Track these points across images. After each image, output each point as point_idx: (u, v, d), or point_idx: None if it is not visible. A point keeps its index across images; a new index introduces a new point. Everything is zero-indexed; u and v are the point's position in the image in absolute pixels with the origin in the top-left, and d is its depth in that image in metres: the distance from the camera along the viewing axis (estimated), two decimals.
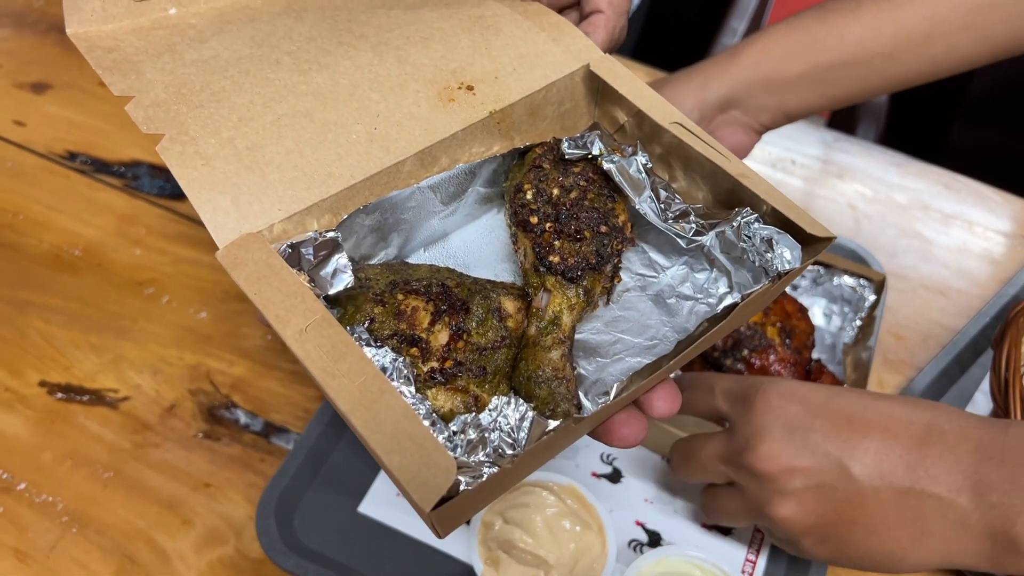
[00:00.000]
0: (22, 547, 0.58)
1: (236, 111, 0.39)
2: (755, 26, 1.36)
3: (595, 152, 0.42)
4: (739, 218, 0.39)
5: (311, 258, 0.36)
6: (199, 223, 0.76)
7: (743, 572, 0.58)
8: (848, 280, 0.70)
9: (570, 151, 0.43)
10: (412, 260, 0.45)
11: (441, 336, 0.38)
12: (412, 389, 0.34)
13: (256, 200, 0.36)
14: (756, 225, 0.39)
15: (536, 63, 0.44)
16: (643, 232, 0.45)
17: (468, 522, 0.58)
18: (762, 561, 0.59)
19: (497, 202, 0.47)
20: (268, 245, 0.35)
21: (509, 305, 0.40)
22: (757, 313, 0.43)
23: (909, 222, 0.82)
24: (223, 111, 0.39)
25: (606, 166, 0.42)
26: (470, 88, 0.43)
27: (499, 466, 0.32)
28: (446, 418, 0.36)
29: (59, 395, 0.66)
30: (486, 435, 0.34)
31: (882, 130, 1.27)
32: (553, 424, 0.34)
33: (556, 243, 0.41)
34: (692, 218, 0.41)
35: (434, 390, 0.37)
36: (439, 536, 0.34)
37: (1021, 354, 0.59)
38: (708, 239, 0.40)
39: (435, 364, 0.37)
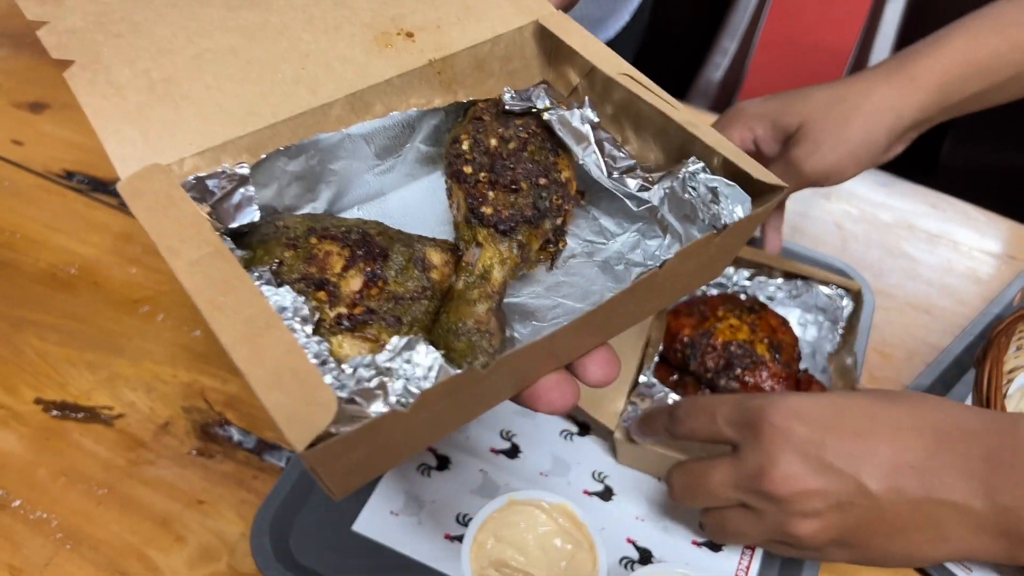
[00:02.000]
0: (16, 563, 0.58)
1: (156, 43, 0.37)
2: (746, 45, 1.38)
3: (539, 106, 0.40)
4: (684, 170, 0.37)
5: (216, 191, 0.34)
6: None
7: None
8: (824, 289, 0.71)
9: (512, 103, 0.41)
10: (344, 215, 0.42)
11: (353, 282, 0.35)
12: (310, 330, 0.31)
13: (168, 134, 0.34)
14: (702, 176, 0.36)
15: (483, 16, 0.42)
16: (595, 199, 0.43)
17: (460, 540, 0.58)
18: None
19: (440, 163, 0.44)
20: (171, 177, 0.33)
21: (435, 257, 0.37)
22: (709, 274, 0.42)
23: (895, 241, 0.83)
24: (142, 42, 0.37)
25: (546, 117, 0.40)
26: (410, 35, 0.41)
27: (404, 405, 0.29)
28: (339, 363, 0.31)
29: (54, 412, 0.66)
30: (386, 381, 0.29)
31: None
32: (459, 371, 0.30)
33: (490, 194, 0.38)
34: (638, 172, 0.39)
35: (339, 337, 0.34)
36: (333, 495, 0.31)
37: (1002, 373, 0.60)
38: (656, 194, 0.38)
39: (343, 310, 0.34)
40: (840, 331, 0.70)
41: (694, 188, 0.36)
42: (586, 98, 0.40)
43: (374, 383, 0.29)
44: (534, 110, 0.41)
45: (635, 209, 0.40)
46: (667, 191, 0.38)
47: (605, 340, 0.37)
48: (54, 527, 0.60)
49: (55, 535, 0.60)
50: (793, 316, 0.72)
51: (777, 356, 0.61)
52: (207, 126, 0.35)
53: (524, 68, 0.43)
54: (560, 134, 0.40)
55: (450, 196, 0.40)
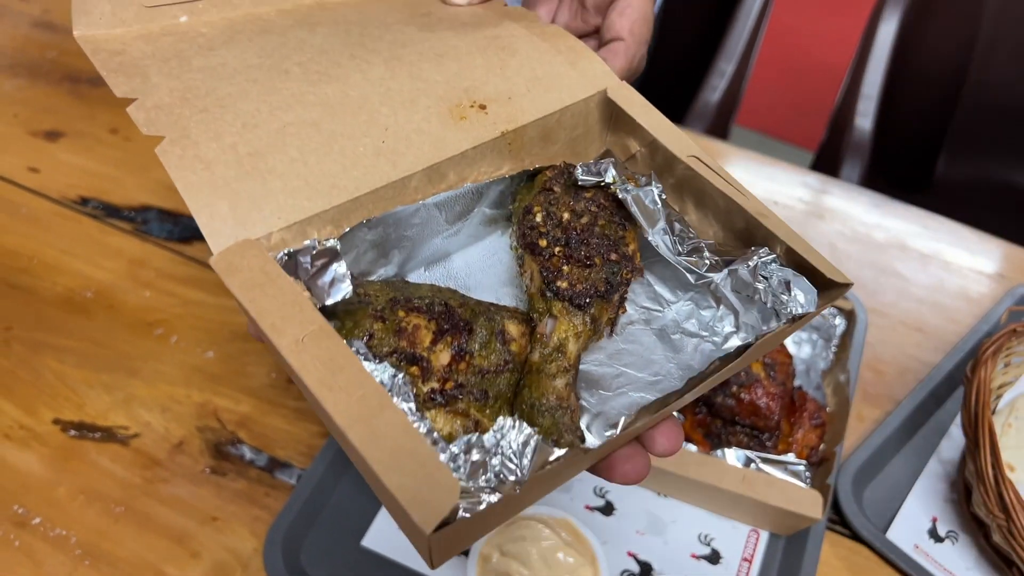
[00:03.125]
0: None
1: (240, 117, 0.38)
2: (743, 67, 1.41)
3: (608, 180, 0.42)
4: (756, 258, 0.38)
5: (308, 267, 0.35)
6: (207, 266, 0.79)
7: None
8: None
9: (583, 177, 0.42)
10: (412, 279, 0.44)
11: (443, 356, 0.36)
12: (412, 406, 0.32)
13: (255, 207, 0.35)
14: (774, 267, 0.38)
15: (551, 86, 0.44)
16: (649, 264, 0.44)
17: (466, 554, 0.60)
18: None
19: (502, 224, 0.46)
20: (265, 252, 0.34)
21: (513, 329, 0.39)
22: (761, 356, 0.44)
23: (888, 261, 0.85)
24: (227, 116, 0.38)
25: (621, 195, 0.41)
26: (482, 107, 0.42)
27: (501, 493, 0.30)
28: (446, 440, 0.33)
29: (72, 432, 0.68)
30: (488, 458, 0.31)
31: (867, 167, 1.31)
32: (558, 453, 0.33)
33: (565, 268, 0.40)
34: (706, 254, 0.40)
35: (433, 412, 0.35)
36: (432, 566, 0.32)
37: (989, 390, 0.62)
38: (720, 277, 0.40)
39: (435, 384, 0.35)
40: (834, 349, 0.72)
41: (766, 278, 0.38)
42: (652, 173, 0.42)
43: (477, 458, 0.31)
44: (603, 183, 0.42)
45: (692, 281, 0.41)
46: (732, 273, 0.39)
47: (670, 414, 0.38)
48: (73, 544, 0.62)
49: (74, 552, 0.62)
50: (789, 336, 0.74)
51: (772, 374, 0.63)
52: (293, 200, 0.36)
53: (586, 135, 0.45)
54: (632, 211, 0.41)
55: (522, 266, 0.42)
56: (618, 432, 0.34)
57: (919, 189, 1.51)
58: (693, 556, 0.63)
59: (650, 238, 0.41)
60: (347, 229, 0.37)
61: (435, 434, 0.32)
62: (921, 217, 0.90)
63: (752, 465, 0.62)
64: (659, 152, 0.42)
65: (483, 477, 0.31)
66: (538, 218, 0.41)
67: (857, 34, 1.45)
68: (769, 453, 0.62)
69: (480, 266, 0.45)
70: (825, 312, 0.73)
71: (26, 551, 0.62)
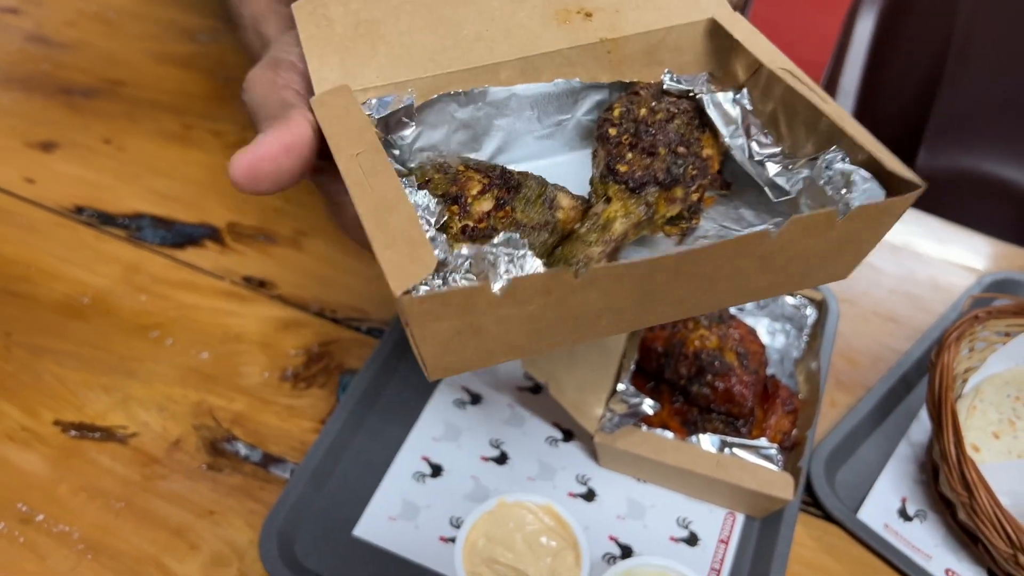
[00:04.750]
0: (42, 574, 0.63)
1: None
2: None
3: (697, 90, 0.42)
4: (823, 157, 0.37)
5: (384, 111, 0.40)
6: (200, 270, 0.82)
7: None
8: (789, 300, 0.76)
9: (671, 84, 0.42)
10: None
11: (485, 203, 0.39)
12: (435, 222, 0.35)
13: (361, 65, 0.41)
14: (838, 164, 0.36)
15: (662, 5, 0.44)
16: (740, 189, 0.44)
17: (454, 541, 0.63)
18: (726, 570, 0.64)
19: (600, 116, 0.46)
20: (352, 95, 0.39)
21: (564, 200, 0.40)
22: (833, 270, 0.40)
23: None
24: None
25: (699, 96, 0.42)
26: (588, 15, 0.43)
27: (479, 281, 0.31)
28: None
29: (72, 433, 0.71)
30: (489, 272, 0.32)
31: None
32: (555, 269, 0.32)
33: (628, 155, 0.40)
34: (780, 158, 0.40)
35: (460, 244, 0.37)
36: (427, 372, 0.34)
37: (953, 374, 0.65)
38: (795, 184, 0.38)
39: (469, 222, 0.38)
40: (806, 338, 0.75)
41: (830, 176, 0.36)
42: (744, 88, 0.42)
43: (477, 268, 0.32)
44: (692, 93, 0.43)
45: (775, 200, 0.40)
46: (806, 181, 0.38)
47: (707, 308, 0.38)
48: (76, 539, 0.64)
49: (77, 546, 0.64)
50: (762, 325, 0.76)
51: (745, 363, 0.66)
52: (394, 66, 0.41)
53: (694, 62, 0.45)
54: (710, 113, 0.41)
55: (595, 156, 0.43)
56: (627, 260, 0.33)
57: None
58: (672, 539, 0.66)
59: (726, 141, 0.41)
60: (435, 96, 0.42)
61: (443, 241, 0.34)
62: None
63: (726, 450, 0.64)
64: (762, 77, 0.42)
65: (470, 271, 0.32)
66: (616, 112, 0.42)
67: (836, 31, 1.48)
68: (744, 439, 0.65)
69: (569, 174, 0.45)
70: (796, 303, 0.76)
71: (31, 547, 0.64)
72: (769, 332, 0.76)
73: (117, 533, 0.65)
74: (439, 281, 0.31)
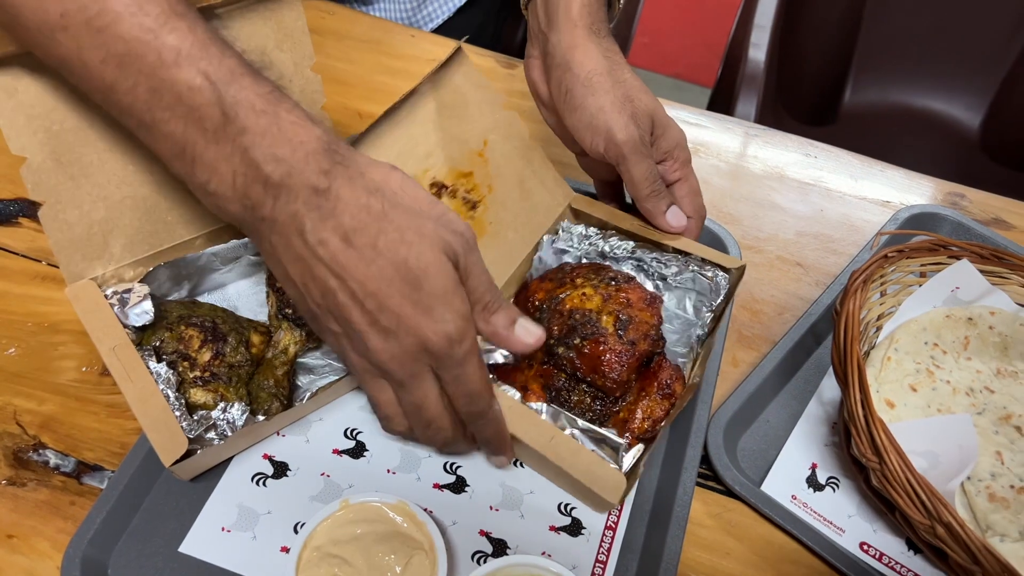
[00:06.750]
0: None
1: (96, 188, 0.56)
2: (632, 4, 1.34)
3: None
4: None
5: (126, 299, 0.57)
6: (11, 252, 0.70)
7: (593, 575, 0.55)
8: (708, 271, 0.63)
9: None
10: (200, 299, 0.65)
11: (205, 355, 0.58)
12: (175, 392, 0.54)
13: (97, 256, 0.58)
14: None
15: None
16: None
17: (287, 551, 0.53)
18: (612, 562, 0.56)
19: (262, 269, 0.67)
20: (98, 289, 0.57)
21: (255, 338, 0.61)
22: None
23: (765, 193, 0.80)
24: (87, 186, 0.55)
25: None
26: None
27: (222, 440, 0.54)
28: (201, 408, 0.55)
29: None
30: (217, 424, 0.54)
31: (763, 102, 1.26)
32: (260, 418, 0.56)
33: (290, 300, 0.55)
34: None
35: (195, 389, 0.56)
36: (182, 477, 0.56)
37: (858, 321, 0.57)
38: None
39: (199, 373, 0.57)
40: (709, 313, 0.63)
41: None
42: None
43: (208, 424, 0.54)
44: None
45: None
46: None
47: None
48: None
49: None
50: (690, 299, 0.65)
51: (622, 331, 0.57)
52: (120, 252, 0.59)
53: None
54: None
55: (267, 297, 0.64)
56: (304, 401, 0.59)
57: (825, 122, 1.47)
58: (552, 528, 0.57)
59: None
60: (152, 269, 0.60)
61: (185, 409, 0.54)
62: (802, 145, 0.85)
63: (568, 429, 0.55)
64: None
65: (214, 433, 0.54)
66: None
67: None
68: (607, 420, 0.56)
69: (246, 294, 0.68)
70: (711, 274, 0.63)
71: None
72: (695, 307, 0.65)
73: None
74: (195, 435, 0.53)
